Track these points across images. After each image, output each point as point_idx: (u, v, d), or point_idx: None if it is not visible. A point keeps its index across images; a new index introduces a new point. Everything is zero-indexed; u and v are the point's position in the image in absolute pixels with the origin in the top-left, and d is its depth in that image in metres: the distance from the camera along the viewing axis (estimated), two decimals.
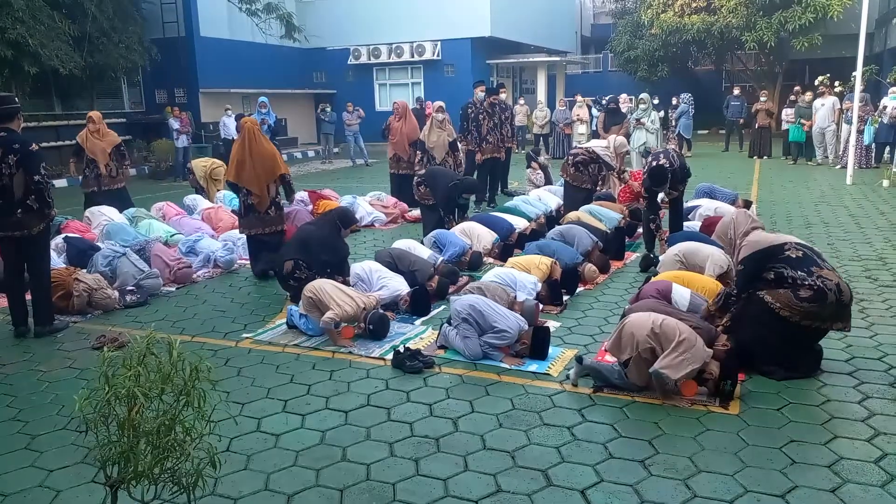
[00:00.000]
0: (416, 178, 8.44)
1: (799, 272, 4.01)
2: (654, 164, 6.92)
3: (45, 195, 5.15)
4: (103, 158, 9.34)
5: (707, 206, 8.22)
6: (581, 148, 8.81)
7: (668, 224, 7.47)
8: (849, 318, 4.10)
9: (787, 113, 16.23)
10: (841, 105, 14.89)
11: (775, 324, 4.04)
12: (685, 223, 7.57)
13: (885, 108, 13.54)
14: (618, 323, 4.21)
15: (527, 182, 11.99)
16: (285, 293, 6.02)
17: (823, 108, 14.87)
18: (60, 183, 15.40)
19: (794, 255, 4.09)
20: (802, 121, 15.43)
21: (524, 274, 5.66)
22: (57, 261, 6.65)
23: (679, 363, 3.71)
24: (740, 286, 4.30)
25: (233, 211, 9.31)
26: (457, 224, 7.80)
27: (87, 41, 15.73)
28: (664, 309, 4.38)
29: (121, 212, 8.77)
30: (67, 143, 18.03)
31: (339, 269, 5.80)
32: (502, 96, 11.73)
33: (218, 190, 10.74)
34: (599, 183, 8.89)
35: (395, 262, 6.10)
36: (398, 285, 5.63)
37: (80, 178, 9.62)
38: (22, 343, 5.20)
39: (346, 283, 5.74)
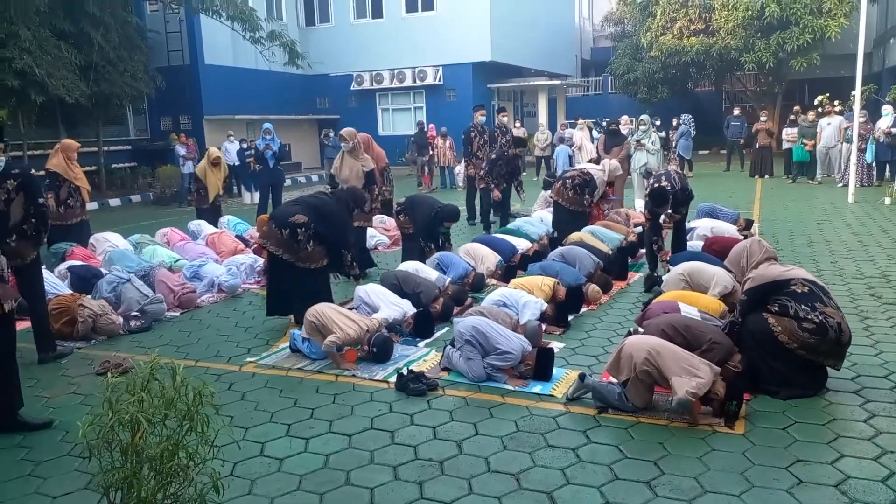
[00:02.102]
0: (395, 206, 8.05)
1: (803, 306, 4.07)
2: (656, 185, 6.96)
3: (47, 219, 5.19)
4: (85, 185, 8.84)
5: (704, 227, 8.21)
6: (577, 170, 8.81)
7: (670, 245, 7.48)
8: (843, 357, 4.16)
9: (788, 132, 16.30)
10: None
11: (773, 347, 4.09)
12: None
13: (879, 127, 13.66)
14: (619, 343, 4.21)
15: (541, 201, 11.96)
16: (289, 317, 6.01)
17: (830, 126, 14.97)
18: None
19: (799, 291, 4.14)
20: (805, 140, 15.50)
21: (527, 295, 5.67)
22: (62, 287, 6.68)
23: (688, 381, 3.70)
24: (742, 315, 4.34)
25: (237, 237, 9.37)
26: (436, 252, 7.47)
27: (93, 70, 15.94)
28: (683, 321, 4.39)
29: (85, 244, 8.49)
30: None
31: (341, 245, 5.83)
32: (504, 119, 11.80)
33: (222, 183, 10.69)
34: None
35: (401, 285, 6.11)
36: (402, 307, 5.63)
37: (59, 209, 8.55)
38: (26, 369, 5.20)
39: (351, 265, 5.84)
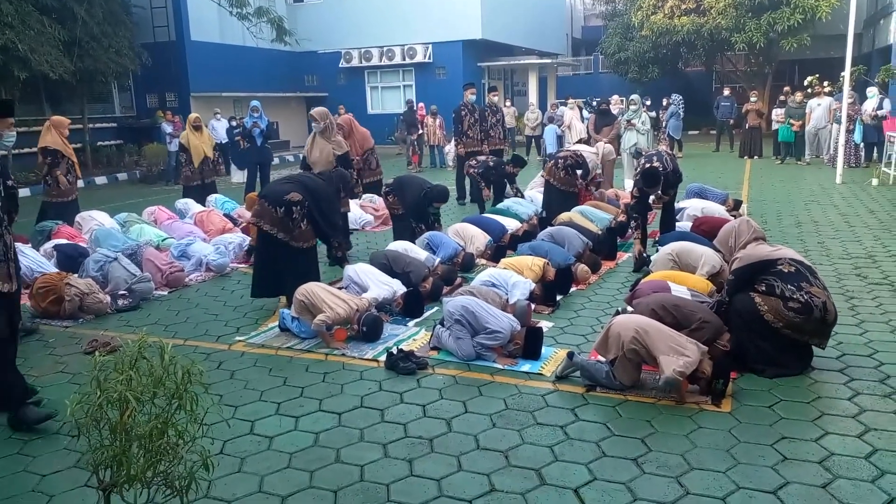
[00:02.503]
0: (384, 187, 7.86)
1: (789, 286, 4.10)
2: (648, 165, 6.92)
3: (17, 200, 5.16)
4: (76, 162, 8.99)
5: (694, 207, 8.23)
6: (570, 151, 8.80)
7: (659, 226, 7.47)
8: (828, 337, 4.21)
9: (777, 113, 16.33)
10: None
11: (759, 326, 4.13)
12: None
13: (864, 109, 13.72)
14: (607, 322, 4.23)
15: (538, 181, 11.79)
16: (277, 297, 5.98)
17: (820, 107, 14.98)
18: None
19: (786, 270, 4.17)
20: (792, 121, 15.53)
21: (517, 275, 5.67)
22: (48, 266, 6.63)
23: (676, 360, 3.73)
24: (730, 295, 4.37)
25: (225, 215, 9.30)
26: (426, 232, 7.34)
27: (77, 46, 15.67)
28: (673, 300, 4.41)
29: (71, 223, 8.47)
30: None
31: (330, 227, 5.87)
32: (494, 99, 11.73)
33: (212, 151, 10.71)
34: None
35: (390, 264, 6.10)
36: (392, 287, 5.63)
37: (63, 186, 8.69)
38: None
39: (339, 247, 5.84)
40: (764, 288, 4.18)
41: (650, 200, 7.16)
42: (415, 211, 7.54)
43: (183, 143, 10.70)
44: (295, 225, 5.63)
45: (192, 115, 10.86)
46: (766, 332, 4.12)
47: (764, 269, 4.22)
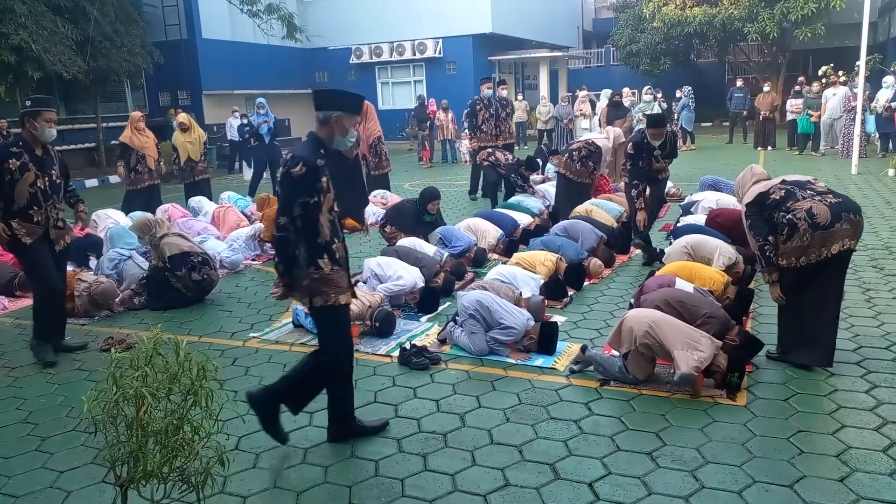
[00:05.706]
0: (381, 220, 7.77)
1: (779, 213, 3.96)
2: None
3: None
4: (152, 154, 9.72)
5: (709, 199, 8.13)
6: (581, 141, 8.75)
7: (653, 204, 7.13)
8: (840, 237, 3.82)
9: (792, 104, 16.16)
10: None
11: (786, 279, 3.99)
12: (689, 217, 7.48)
13: (878, 99, 13.56)
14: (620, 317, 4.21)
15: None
16: None
17: (835, 97, 14.79)
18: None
19: (777, 197, 4.02)
20: (811, 111, 15.35)
21: (526, 271, 5.66)
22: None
23: (691, 355, 3.70)
24: (759, 232, 4.08)
25: (242, 213, 9.35)
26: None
27: (90, 45, 15.78)
28: (677, 296, 4.37)
29: (152, 209, 8.66)
30: (73, 146, 18.16)
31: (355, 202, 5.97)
32: (503, 93, 11.68)
33: (200, 148, 10.68)
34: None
35: (401, 260, 6.10)
36: (414, 278, 5.61)
37: (120, 176, 9.87)
38: (30, 347, 5.22)
39: (360, 219, 5.86)
40: (772, 222, 4.01)
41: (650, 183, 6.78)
42: (418, 227, 7.38)
43: (175, 143, 10.74)
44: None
45: (181, 116, 10.93)
46: (794, 280, 3.97)
47: (762, 202, 4.06)
